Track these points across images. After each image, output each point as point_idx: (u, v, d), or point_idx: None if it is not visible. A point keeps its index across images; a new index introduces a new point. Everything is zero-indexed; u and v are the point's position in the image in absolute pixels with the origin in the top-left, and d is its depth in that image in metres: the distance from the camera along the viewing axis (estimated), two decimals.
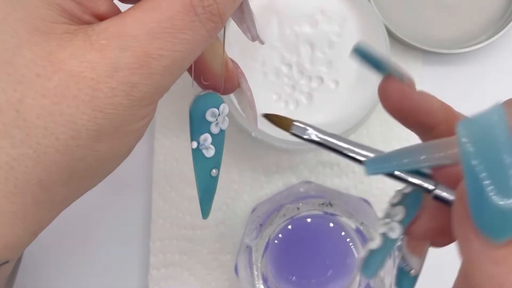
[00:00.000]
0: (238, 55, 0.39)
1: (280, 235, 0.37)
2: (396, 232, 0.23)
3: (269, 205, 0.39)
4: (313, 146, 0.39)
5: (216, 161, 0.27)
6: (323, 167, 0.42)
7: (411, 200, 0.23)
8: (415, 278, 0.25)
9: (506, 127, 0.17)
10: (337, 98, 0.39)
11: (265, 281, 0.36)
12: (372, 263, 0.23)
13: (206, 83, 0.27)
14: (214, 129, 0.27)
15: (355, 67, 0.39)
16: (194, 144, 0.27)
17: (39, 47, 0.22)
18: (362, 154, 0.23)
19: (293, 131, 0.25)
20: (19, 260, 0.29)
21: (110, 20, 0.22)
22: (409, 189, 0.23)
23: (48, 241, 0.42)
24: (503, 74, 0.44)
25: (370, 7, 0.40)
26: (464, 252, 0.19)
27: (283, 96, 0.39)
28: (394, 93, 0.24)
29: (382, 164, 0.23)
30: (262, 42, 0.30)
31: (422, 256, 0.25)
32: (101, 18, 0.23)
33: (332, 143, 0.24)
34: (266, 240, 0.36)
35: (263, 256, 0.36)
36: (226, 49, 0.38)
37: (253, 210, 0.40)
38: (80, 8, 0.23)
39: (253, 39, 0.29)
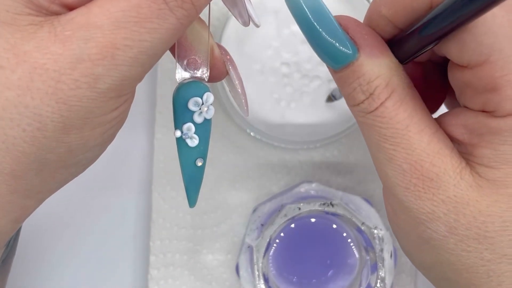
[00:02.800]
0: (237, 56, 0.38)
1: (281, 235, 0.37)
2: None
3: (270, 205, 0.39)
4: (312, 145, 0.39)
5: (201, 151, 0.27)
6: (324, 167, 0.42)
7: None
8: None
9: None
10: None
11: (266, 281, 0.36)
12: None
13: (190, 71, 0.27)
14: (198, 119, 0.26)
15: None
16: (178, 133, 0.26)
17: (3, 39, 0.22)
18: None
19: None
20: (11, 253, 0.29)
21: (78, 10, 0.22)
22: None
23: (46, 240, 0.42)
24: None
25: (367, 6, 0.40)
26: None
27: (283, 95, 0.39)
28: None
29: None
30: (257, 25, 0.29)
31: None
32: (70, 8, 0.23)
33: None
34: (267, 240, 0.36)
35: (264, 256, 0.36)
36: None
37: (254, 210, 0.40)
38: None
39: (244, 25, 0.29)
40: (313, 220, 0.37)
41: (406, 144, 0.24)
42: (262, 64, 0.39)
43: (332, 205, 0.36)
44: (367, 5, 0.40)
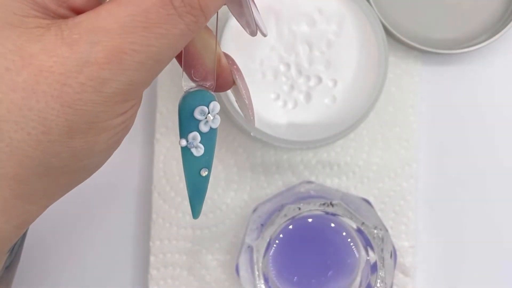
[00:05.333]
0: (236, 55, 0.38)
1: (281, 235, 0.37)
2: None
3: (270, 205, 0.39)
4: (312, 145, 0.39)
5: (206, 161, 0.27)
6: (323, 167, 0.42)
7: None
8: None
9: None
10: (335, 97, 0.39)
11: (266, 281, 0.36)
12: None
13: (196, 79, 0.27)
14: (204, 128, 0.26)
15: (353, 66, 0.39)
16: (183, 142, 0.26)
17: (10, 41, 0.21)
18: None
19: None
20: (16, 259, 0.29)
21: (86, 14, 0.22)
22: None
23: (47, 240, 0.42)
24: (503, 74, 0.44)
25: (368, 7, 0.40)
26: None
27: (281, 95, 0.39)
28: None
29: None
30: (264, 35, 0.29)
31: None
32: (78, 11, 0.23)
33: None
34: (267, 240, 0.36)
35: (264, 256, 0.36)
36: (223, 47, 0.38)
37: (254, 210, 0.40)
38: (55, 2, 0.22)
39: (252, 34, 0.28)
40: (313, 220, 0.37)
41: None
42: (261, 64, 0.39)
43: (332, 205, 0.36)
44: (367, 4, 0.40)
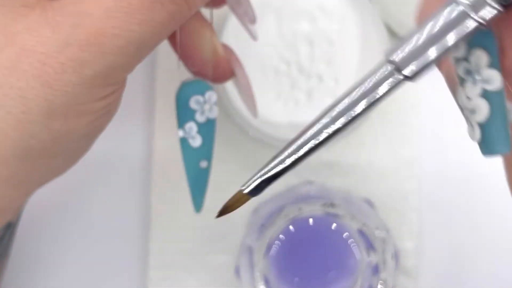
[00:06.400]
0: (237, 54, 0.38)
1: (281, 236, 0.36)
2: (496, 80, 0.17)
3: (270, 205, 0.38)
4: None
5: (205, 152, 0.27)
6: (323, 167, 0.42)
7: (481, 37, 0.17)
8: None
9: None
10: (336, 97, 0.39)
11: (266, 282, 0.36)
12: (493, 135, 0.18)
13: (193, 70, 0.27)
14: (200, 118, 0.26)
15: (354, 65, 0.39)
16: (181, 133, 0.26)
17: None
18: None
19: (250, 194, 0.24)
20: (4, 254, 0.29)
21: None
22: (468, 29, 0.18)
23: (45, 241, 0.42)
24: None
25: (370, 5, 0.39)
26: None
27: (282, 95, 0.39)
28: None
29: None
30: (255, 39, 0.29)
31: None
32: None
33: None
34: (268, 241, 0.35)
35: (264, 257, 0.35)
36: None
37: (254, 210, 0.40)
38: None
39: (251, 22, 0.28)
40: (314, 220, 0.37)
41: None
42: (262, 63, 0.39)
43: (333, 206, 0.36)
44: (370, 4, 0.39)
